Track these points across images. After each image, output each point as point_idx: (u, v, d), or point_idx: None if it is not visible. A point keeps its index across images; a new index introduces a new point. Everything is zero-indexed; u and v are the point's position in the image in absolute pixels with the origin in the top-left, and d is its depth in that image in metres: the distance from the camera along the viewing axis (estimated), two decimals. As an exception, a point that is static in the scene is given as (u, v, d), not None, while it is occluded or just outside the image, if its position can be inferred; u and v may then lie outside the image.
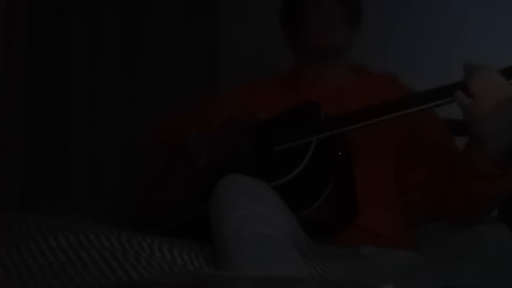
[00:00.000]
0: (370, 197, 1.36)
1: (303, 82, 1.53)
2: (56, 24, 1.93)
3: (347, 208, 1.33)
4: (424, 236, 1.44)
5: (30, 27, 1.85)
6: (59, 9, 1.94)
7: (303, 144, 1.27)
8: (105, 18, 2.04)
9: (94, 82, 2.00)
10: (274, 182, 1.20)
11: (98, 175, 1.98)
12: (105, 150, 2.00)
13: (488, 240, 1.17)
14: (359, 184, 1.35)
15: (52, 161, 1.89)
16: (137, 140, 1.72)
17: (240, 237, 1.04)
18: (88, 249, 1.06)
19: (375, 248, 1.32)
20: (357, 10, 1.52)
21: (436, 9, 1.97)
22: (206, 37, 2.29)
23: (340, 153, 1.33)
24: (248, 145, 1.37)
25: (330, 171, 1.28)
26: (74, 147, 1.94)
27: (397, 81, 1.55)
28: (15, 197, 1.79)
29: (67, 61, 1.95)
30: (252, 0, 2.26)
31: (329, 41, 1.47)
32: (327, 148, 1.29)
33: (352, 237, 1.32)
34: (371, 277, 1.15)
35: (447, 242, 1.33)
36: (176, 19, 2.21)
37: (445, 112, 1.38)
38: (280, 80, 1.57)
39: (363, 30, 1.53)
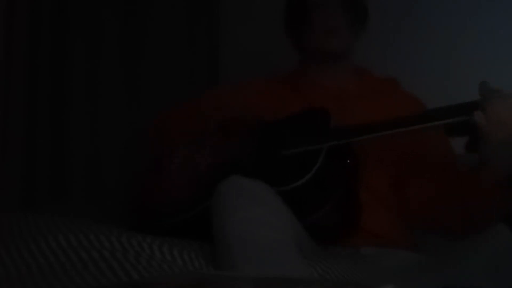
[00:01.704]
0: (370, 197, 1.36)
1: (304, 82, 1.53)
2: (56, 24, 1.93)
3: (350, 214, 1.33)
4: (424, 236, 1.44)
5: (30, 27, 1.85)
6: (59, 9, 1.93)
7: (312, 151, 1.27)
8: (105, 18, 2.04)
9: (94, 82, 2.00)
10: (281, 187, 1.19)
11: (98, 175, 1.98)
12: (105, 150, 2.00)
13: (488, 240, 1.17)
14: (360, 185, 1.35)
15: (52, 161, 1.89)
16: (138, 139, 1.72)
17: (241, 239, 1.04)
18: (88, 249, 1.06)
19: (376, 248, 1.32)
20: (362, 13, 1.51)
21: (437, 10, 1.97)
22: (206, 37, 2.29)
23: (348, 161, 1.33)
24: (251, 146, 1.37)
25: (338, 178, 1.28)
26: (74, 147, 1.93)
27: (398, 86, 1.55)
28: (15, 197, 1.79)
29: (67, 61, 1.95)
30: (252, 0, 2.26)
31: (332, 45, 1.46)
32: (335, 156, 1.29)
33: (354, 238, 1.32)
34: (371, 277, 1.15)
35: (447, 243, 1.33)
36: (176, 19, 2.21)
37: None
38: (281, 80, 1.57)
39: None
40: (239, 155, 1.36)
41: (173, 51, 2.18)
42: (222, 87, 1.81)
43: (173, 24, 2.19)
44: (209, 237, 1.11)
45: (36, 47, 1.87)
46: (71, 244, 1.07)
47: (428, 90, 1.60)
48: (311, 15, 1.46)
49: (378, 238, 1.34)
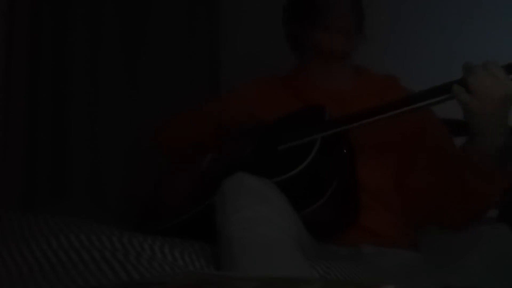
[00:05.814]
0: (371, 196, 1.36)
1: (304, 83, 1.52)
2: (57, 24, 1.93)
3: (349, 209, 1.33)
4: (425, 236, 1.44)
5: (30, 27, 1.85)
6: (59, 9, 1.94)
7: (307, 143, 1.27)
8: (106, 19, 2.04)
9: (94, 82, 2.00)
10: (277, 178, 1.20)
11: (98, 175, 1.98)
12: (106, 150, 2.00)
13: (488, 240, 1.18)
14: (361, 184, 1.35)
15: (52, 161, 1.89)
16: (141, 140, 1.72)
17: (244, 238, 1.04)
18: (90, 250, 1.06)
19: (376, 247, 1.32)
20: (363, 17, 1.51)
21: (436, 9, 1.98)
22: (206, 37, 2.29)
23: (345, 151, 1.34)
24: (251, 146, 1.38)
25: (334, 170, 1.28)
26: (75, 147, 1.93)
27: (398, 83, 1.55)
28: (15, 197, 1.79)
29: (67, 61, 1.95)
30: (252, 0, 2.26)
31: (344, 46, 1.46)
32: (331, 148, 1.29)
33: (354, 237, 1.33)
34: (372, 277, 1.15)
35: (447, 242, 1.33)
36: (177, 20, 2.21)
37: (445, 112, 1.38)
38: (281, 81, 1.57)
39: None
40: (239, 156, 1.37)
41: (174, 51, 2.18)
42: (225, 92, 1.81)
43: (173, 24, 2.19)
44: (210, 238, 1.12)
45: (36, 47, 1.87)
46: (72, 244, 1.07)
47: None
48: (325, 14, 1.45)
49: (379, 237, 1.34)
